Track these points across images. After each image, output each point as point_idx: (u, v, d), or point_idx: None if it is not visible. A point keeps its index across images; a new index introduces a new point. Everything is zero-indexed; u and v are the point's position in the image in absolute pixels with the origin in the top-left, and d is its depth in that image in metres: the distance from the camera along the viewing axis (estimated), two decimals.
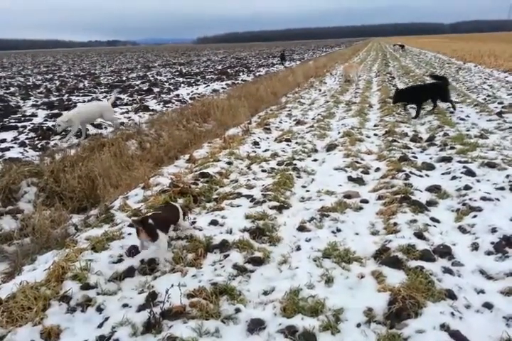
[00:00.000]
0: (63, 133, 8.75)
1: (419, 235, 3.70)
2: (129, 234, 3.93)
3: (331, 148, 6.99)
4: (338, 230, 4.02)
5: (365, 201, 4.70)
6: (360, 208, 4.54)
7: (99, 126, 9.97)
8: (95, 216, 4.74)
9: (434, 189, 4.86)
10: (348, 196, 4.81)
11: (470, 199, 4.46)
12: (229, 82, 18.99)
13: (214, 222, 4.14)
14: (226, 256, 3.54)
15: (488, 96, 11.31)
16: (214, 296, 2.97)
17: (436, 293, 2.89)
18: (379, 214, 4.32)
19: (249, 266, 3.44)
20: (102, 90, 16.99)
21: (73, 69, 32.02)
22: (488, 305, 2.85)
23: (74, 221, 4.82)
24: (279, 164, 6.17)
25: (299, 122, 9.33)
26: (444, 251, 3.50)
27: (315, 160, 6.55)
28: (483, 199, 4.42)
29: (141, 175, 5.83)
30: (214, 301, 2.93)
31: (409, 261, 3.29)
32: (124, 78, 22.69)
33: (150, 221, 3.35)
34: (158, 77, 22.26)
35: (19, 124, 9.91)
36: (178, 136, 8.30)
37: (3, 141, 8.50)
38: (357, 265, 3.40)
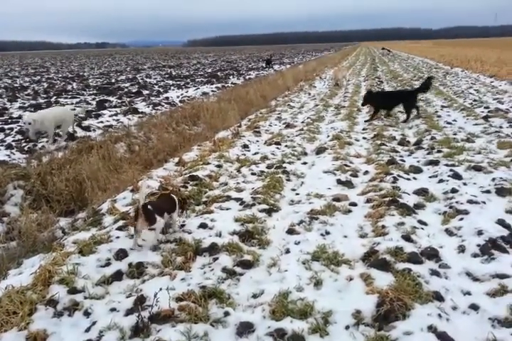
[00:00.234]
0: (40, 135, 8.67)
1: (407, 238, 3.74)
2: (117, 237, 3.91)
3: (320, 151, 7.04)
4: (327, 233, 4.04)
5: (354, 204, 4.74)
6: (349, 211, 4.57)
7: (87, 128, 9.89)
8: (83, 219, 4.71)
9: (422, 192, 4.91)
10: (337, 199, 4.84)
11: (457, 202, 4.52)
12: (219, 85, 19.00)
13: (203, 225, 4.12)
14: (215, 259, 3.54)
15: (475, 100, 11.50)
16: (203, 300, 2.96)
17: (424, 295, 2.92)
18: (367, 217, 4.36)
19: (238, 269, 3.44)
20: (91, 92, 16.88)
21: (61, 71, 31.72)
22: (474, 307, 2.89)
23: (61, 224, 4.78)
24: (268, 167, 6.18)
25: (288, 125, 9.36)
26: (432, 254, 3.54)
27: (304, 163, 6.58)
28: (470, 202, 4.49)
29: (129, 177, 5.79)
30: (203, 305, 2.92)
31: (397, 263, 3.32)
32: (113, 80, 22.57)
33: (149, 207, 3.65)
34: (148, 80, 22.17)
35: (6, 126, 9.78)
36: (168, 139, 8.28)
37: None
38: (345, 267, 3.42)
